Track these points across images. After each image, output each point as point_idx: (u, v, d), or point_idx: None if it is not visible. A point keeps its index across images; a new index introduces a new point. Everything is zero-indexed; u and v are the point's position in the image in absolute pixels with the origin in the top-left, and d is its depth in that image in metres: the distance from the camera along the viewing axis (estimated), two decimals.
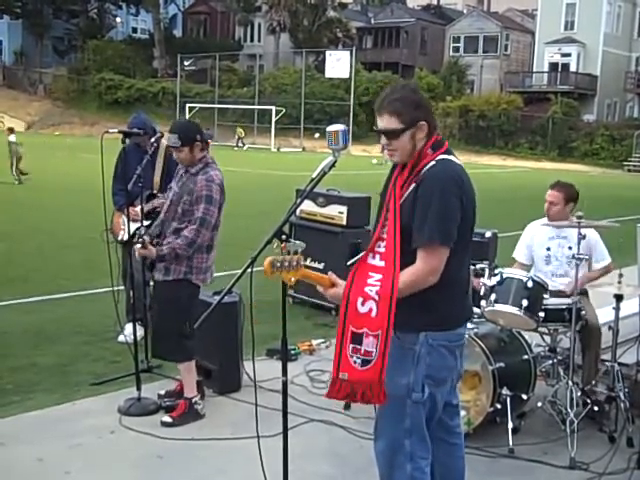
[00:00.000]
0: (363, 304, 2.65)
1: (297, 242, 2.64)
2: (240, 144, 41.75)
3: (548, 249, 4.90)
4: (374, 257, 2.75)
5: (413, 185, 2.74)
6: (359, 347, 2.66)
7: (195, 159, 4.36)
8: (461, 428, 3.20)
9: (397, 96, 2.77)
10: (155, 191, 5.54)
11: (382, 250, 2.73)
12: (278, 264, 2.57)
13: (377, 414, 2.95)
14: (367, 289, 2.66)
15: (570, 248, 4.71)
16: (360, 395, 2.68)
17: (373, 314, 2.64)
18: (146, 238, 4.37)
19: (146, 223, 4.61)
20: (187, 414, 4.42)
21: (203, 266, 4.44)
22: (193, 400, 4.46)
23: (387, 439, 2.90)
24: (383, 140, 2.81)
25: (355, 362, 2.67)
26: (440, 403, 2.92)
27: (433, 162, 2.75)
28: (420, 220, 2.69)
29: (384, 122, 2.78)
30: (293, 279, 2.64)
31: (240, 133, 42.56)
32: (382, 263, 2.70)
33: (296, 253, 2.62)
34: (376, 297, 2.64)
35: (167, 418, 4.39)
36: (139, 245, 4.35)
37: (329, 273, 2.80)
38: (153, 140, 5.36)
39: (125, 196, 4.98)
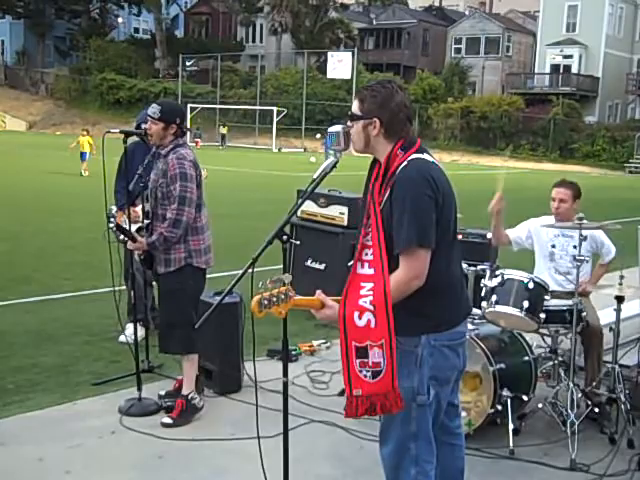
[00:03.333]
0: (360, 317, 2.62)
1: (284, 275, 2.60)
2: (220, 142, 41.58)
3: (553, 246, 4.89)
4: (363, 266, 2.72)
5: (389, 189, 2.73)
6: (366, 360, 2.64)
7: (165, 140, 4.37)
8: (461, 429, 3.19)
9: (371, 85, 2.84)
10: None
11: (370, 258, 2.70)
12: (266, 302, 2.51)
13: (382, 418, 2.93)
14: (361, 301, 2.63)
15: (575, 247, 4.68)
16: (379, 406, 2.67)
17: (372, 325, 2.62)
18: (135, 235, 4.37)
19: (146, 222, 4.61)
20: (186, 412, 4.41)
21: (202, 248, 4.42)
22: (190, 396, 4.45)
23: (393, 443, 2.89)
24: (348, 122, 2.86)
25: (365, 376, 2.65)
26: (443, 403, 2.92)
27: (405, 163, 2.74)
28: (397, 225, 2.68)
29: (353, 104, 2.87)
30: (284, 312, 2.60)
31: (223, 130, 42.32)
32: (371, 271, 2.68)
33: (284, 285, 2.57)
34: (371, 307, 2.61)
35: (167, 419, 4.38)
36: (129, 241, 4.36)
37: (317, 293, 2.75)
38: None
39: (126, 194, 4.98)
